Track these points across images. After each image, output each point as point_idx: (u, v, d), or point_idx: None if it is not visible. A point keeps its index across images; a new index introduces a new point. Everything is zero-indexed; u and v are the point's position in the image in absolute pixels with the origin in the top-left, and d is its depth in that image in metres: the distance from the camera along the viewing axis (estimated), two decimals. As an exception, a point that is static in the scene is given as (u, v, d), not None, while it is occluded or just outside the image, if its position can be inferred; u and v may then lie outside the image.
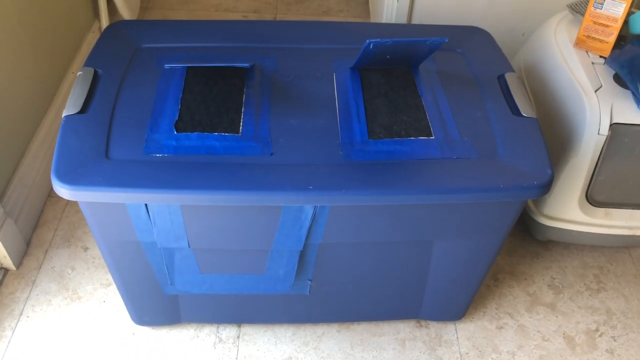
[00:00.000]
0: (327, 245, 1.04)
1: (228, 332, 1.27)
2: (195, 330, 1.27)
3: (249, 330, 1.27)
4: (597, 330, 1.32)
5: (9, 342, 1.22)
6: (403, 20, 1.70)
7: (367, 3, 2.31)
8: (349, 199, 0.91)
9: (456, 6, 1.67)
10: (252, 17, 2.21)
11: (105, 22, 1.88)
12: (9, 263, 1.33)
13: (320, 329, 1.29)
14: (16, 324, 1.25)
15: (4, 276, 1.33)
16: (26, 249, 1.39)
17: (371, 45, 0.99)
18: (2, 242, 1.28)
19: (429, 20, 1.69)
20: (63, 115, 0.97)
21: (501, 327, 1.31)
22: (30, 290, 1.31)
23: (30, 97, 1.44)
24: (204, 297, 1.16)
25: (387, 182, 0.91)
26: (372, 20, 2.12)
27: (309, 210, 0.96)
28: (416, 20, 1.71)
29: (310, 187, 0.89)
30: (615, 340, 1.30)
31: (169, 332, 1.26)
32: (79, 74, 1.04)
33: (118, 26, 1.19)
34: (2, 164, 1.32)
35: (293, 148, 0.95)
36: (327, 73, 1.10)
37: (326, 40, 1.19)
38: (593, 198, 1.28)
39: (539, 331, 1.31)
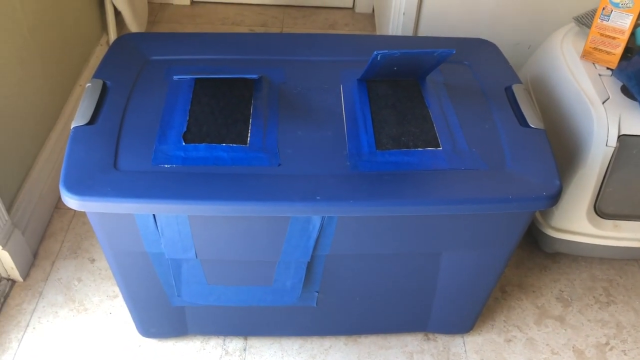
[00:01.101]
0: (335, 256, 1.03)
1: (234, 344, 1.26)
2: (201, 342, 1.26)
3: (255, 343, 1.27)
4: (607, 344, 1.31)
5: (15, 354, 1.22)
6: (409, 33, 1.71)
7: (373, 17, 2.33)
8: (356, 209, 0.91)
9: (462, 20, 1.68)
10: (259, 30, 2.22)
11: (113, 35, 1.89)
12: (16, 274, 1.33)
13: (328, 342, 1.28)
14: (22, 336, 1.25)
15: (10, 288, 1.34)
16: (33, 261, 1.39)
17: (378, 57, 0.99)
18: (9, 254, 1.28)
19: (435, 34, 1.70)
20: (72, 126, 0.98)
21: (510, 340, 1.30)
22: (37, 302, 1.31)
23: (39, 110, 1.45)
24: (210, 308, 1.16)
25: (395, 193, 0.91)
26: (378, 33, 2.13)
27: (316, 221, 0.96)
28: (422, 33, 1.71)
29: (318, 198, 0.89)
30: (625, 354, 1.29)
31: (175, 345, 1.25)
32: (88, 86, 1.05)
33: (127, 38, 1.20)
34: (10, 176, 1.32)
35: (300, 159, 0.95)
36: (334, 85, 1.10)
37: (333, 53, 1.19)
38: (601, 210, 1.28)
39: (547, 344, 1.30)
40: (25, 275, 1.36)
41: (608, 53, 1.23)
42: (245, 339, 1.27)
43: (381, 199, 0.90)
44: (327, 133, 1.00)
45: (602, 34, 1.21)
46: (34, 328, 1.27)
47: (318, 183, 0.91)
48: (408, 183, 0.93)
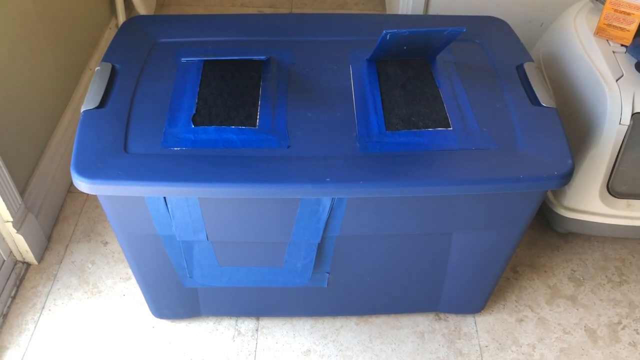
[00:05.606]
0: (345, 237, 1.03)
1: (247, 325, 1.27)
2: (214, 323, 1.27)
3: (267, 323, 1.28)
4: (619, 323, 1.30)
5: (31, 335, 1.24)
6: (420, 12, 1.69)
7: (383, -5, 2.30)
8: (366, 191, 0.91)
9: (473, -3, 1.65)
10: (268, 11, 2.21)
11: (122, 18, 1.89)
12: (30, 257, 1.35)
13: (339, 322, 1.29)
14: (38, 318, 1.27)
15: (26, 270, 1.35)
16: (47, 244, 1.41)
17: (388, 36, 0.98)
18: (23, 237, 1.29)
19: (446, 12, 1.68)
20: (82, 110, 0.98)
21: (521, 320, 1.30)
22: (52, 284, 1.33)
23: (49, 94, 1.46)
24: (222, 290, 1.17)
25: (405, 174, 0.91)
26: (388, 12, 2.11)
27: (326, 203, 0.96)
28: (433, 12, 1.69)
29: (328, 180, 0.89)
30: (638, 333, 1.28)
31: (188, 326, 1.27)
32: (97, 69, 1.05)
33: (135, 21, 1.19)
34: (23, 160, 1.33)
35: (310, 140, 0.95)
36: (344, 65, 1.09)
37: (342, 33, 1.18)
38: (614, 189, 1.26)
39: (559, 324, 1.30)
40: (40, 258, 1.38)
41: (622, 29, 1.21)
42: (258, 319, 1.29)
43: (391, 180, 0.90)
44: (337, 114, 1.00)
45: (616, 10, 1.19)
46: (49, 310, 1.29)
47: (328, 165, 0.91)
48: (418, 164, 0.92)
